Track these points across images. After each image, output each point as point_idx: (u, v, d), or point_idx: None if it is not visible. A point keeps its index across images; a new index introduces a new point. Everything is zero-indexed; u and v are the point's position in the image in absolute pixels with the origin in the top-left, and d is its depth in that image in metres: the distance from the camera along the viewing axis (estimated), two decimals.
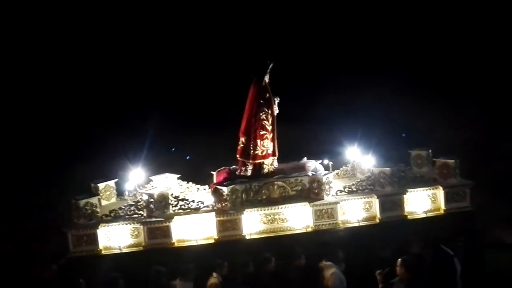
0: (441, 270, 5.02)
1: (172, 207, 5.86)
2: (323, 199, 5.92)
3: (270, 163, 6.31)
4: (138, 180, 6.45)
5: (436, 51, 10.84)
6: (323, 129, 9.27)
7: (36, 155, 9.64)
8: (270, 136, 6.19)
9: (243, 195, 5.99)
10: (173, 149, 9.66)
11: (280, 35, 10.09)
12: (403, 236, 5.47)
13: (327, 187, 6.00)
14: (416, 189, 6.08)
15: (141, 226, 5.70)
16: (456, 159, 6.21)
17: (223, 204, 5.84)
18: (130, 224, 5.73)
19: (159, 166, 7.05)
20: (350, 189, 6.08)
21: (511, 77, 10.27)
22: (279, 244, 5.65)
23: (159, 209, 5.78)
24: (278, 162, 6.44)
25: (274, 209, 5.87)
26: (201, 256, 5.52)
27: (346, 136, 7.16)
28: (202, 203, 5.92)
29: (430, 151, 6.87)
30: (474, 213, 6.05)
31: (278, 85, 6.25)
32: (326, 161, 6.61)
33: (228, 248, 5.61)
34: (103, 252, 5.71)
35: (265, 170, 6.25)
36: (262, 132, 6.12)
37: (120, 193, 6.66)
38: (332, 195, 6.02)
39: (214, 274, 5.16)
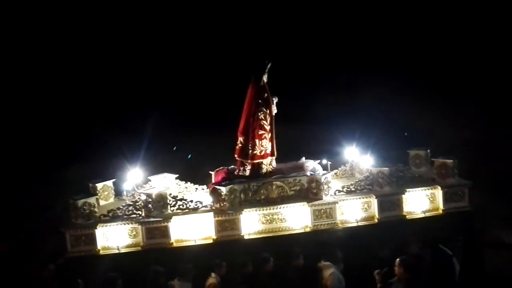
0: (440, 270, 5.02)
1: (171, 207, 5.85)
2: (321, 199, 5.92)
3: (269, 163, 6.30)
4: (136, 180, 6.44)
5: (436, 51, 10.84)
6: (322, 129, 9.26)
7: (34, 155, 9.63)
8: (268, 136, 6.18)
9: (242, 195, 5.98)
10: (174, 148, 9.65)
11: (279, 35, 10.09)
12: (401, 236, 5.49)
13: (325, 187, 5.99)
14: (414, 189, 6.08)
15: (139, 226, 5.69)
16: (454, 159, 6.21)
17: (222, 204, 5.84)
18: (128, 224, 5.72)
19: (157, 166, 7.04)
20: (348, 189, 6.07)
21: (510, 77, 10.27)
22: (277, 244, 5.65)
23: (157, 209, 5.77)
24: (277, 162, 6.43)
25: (273, 209, 5.86)
26: (199, 256, 5.52)
27: (344, 136, 7.15)
28: (201, 203, 5.91)
29: (428, 151, 6.87)
30: (473, 213, 6.05)
31: (277, 85, 6.24)
32: (324, 161, 6.60)
33: (227, 248, 5.61)
34: (101, 252, 5.70)
35: (264, 170, 6.24)
36: (261, 132, 6.11)
37: (118, 193, 6.65)
38: (331, 195, 6.02)
39: (213, 274, 5.16)
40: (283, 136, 6.48)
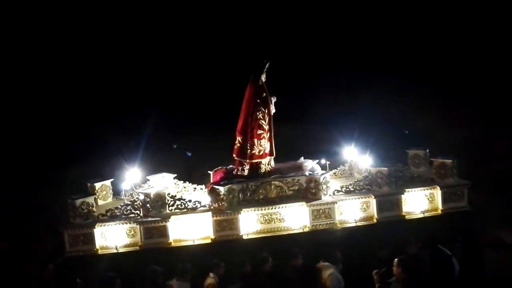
0: (439, 270, 5.01)
1: (169, 206, 5.84)
2: (320, 199, 5.90)
3: (267, 163, 6.29)
4: (135, 179, 6.43)
5: (435, 51, 10.83)
6: (320, 129, 9.26)
7: (33, 154, 9.62)
8: (267, 135, 6.17)
9: (240, 194, 5.97)
10: (174, 146, 9.64)
11: (277, 35, 10.08)
12: (400, 237, 5.49)
13: (324, 187, 5.98)
14: (413, 189, 6.06)
15: (138, 226, 5.68)
16: (453, 159, 6.20)
17: (220, 204, 5.82)
18: (127, 223, 5.72)
19: (155, 166, 7.04)
20: (347, 189, 6.06)
21: (509, 77, 10.26)
22: (276, 244, 5.64)
23: (155, 208, 5.76)
24: (275, 161, 6.42)
25: (271, 209, 5.85)
26: (198, 256, 5.52)
27: (343, 136, 7.15)
28: (199, 202, 5.90)
29: (427, 150, 6.86)
30: (472, 213, 6.04)
31: (275, 85, 6.23)
32: (323, 161, 6.59)
33: (225, 248, 5.60)
34: (99, 251, 5.69)
35: (262, 170, 6.23)
36: (259, 132, 6.09)
37: (116, 193, 6.63)
38: (330, 195, 6.01)
39: (211, 274, 5.15)
40: (281, 136, 6.47)
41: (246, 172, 6.19)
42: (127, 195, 6.44)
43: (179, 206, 5.85)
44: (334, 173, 6.90)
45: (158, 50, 10.61)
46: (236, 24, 10.24)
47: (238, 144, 6.22)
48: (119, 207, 5.86)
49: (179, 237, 5.74)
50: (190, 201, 5.88)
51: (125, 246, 5.72)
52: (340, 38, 10.67)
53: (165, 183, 6.50)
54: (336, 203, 5.88)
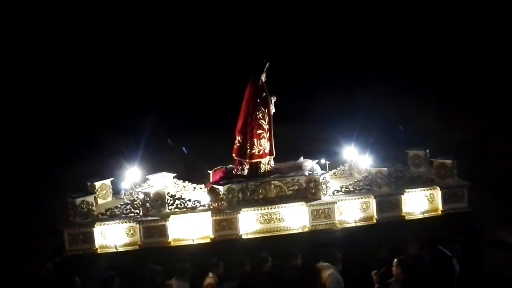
0: (439, 270, 5.00)
1: (168, 206, 5.84)
2: (320, 199, 5.90)
3: (267, 163, 6.28)
4: (135, 178, 6.43)
5: (435, 50, 10.81)
6: (320, 129, 9.25)
7: (32, 154, 9.63)
8: (266, 135, 6.16)
9: (240, 194, 5.97)
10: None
11: (277, 34, 10.07)
12: (400, 237, 5.47)
13: (324, 187, 5.97)
14: (413, 190, 6.05)
15: (137, 225, 5.68)
16: (453, 159, 6.19)
17: (220, 203, 5.82)
18: (126, 223, 5.72)
19: (155, 165, 7.04)
20: (347, 189, 6.05)
21: (509, 77, 10.24)
22: (275, 244, 5.63)
23: (155, 208, 5.76)
24: (275, 161, 6.42)
25: (271, 208, 5.85)
26: (197, 255, 5.51)
27: (343, 136, 7.14)
28: (199, 202, 5.90)
29: (427, 151, 6.85)
30: (472, 213, 6.03)
31: (275, 84, 6.22)
32: (323, 161, 6.58)
33: (225, 248, 5.59)
34: (99, 250, 5.69)
35: (262, 170, 6.22)
36: (259, 131, 6.09)
37: (116, 192, 6.64)
38: (329, 195, 6.00)
39: (210, 274, 5.15)
40: (281, 136, 6.46)
41: (245, 172, 6.18)
42: (126, 194, 6.45)
43: (179, 206, 5.85)
44: (334, 173, 6.89)
45: (158, 50, 10.61)
46: (236, 24, 10.24)
47: (238, 144, 6.21)
48: (119, 206, 5.86)
49: (179, 236, 5.74)
50: (189, 200, 5.88)
51: (125, 245, 5.72)
52: (340, 38, 10.67)
53: (164, 182, 6.50)
54: (336, 203, 5.87)
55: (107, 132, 9.09)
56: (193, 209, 5.84)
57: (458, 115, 9.80)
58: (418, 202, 6.07)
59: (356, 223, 5.91)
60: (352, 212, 5.95)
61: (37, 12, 10.28)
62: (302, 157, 6.51)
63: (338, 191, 6.04)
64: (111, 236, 5.72)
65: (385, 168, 6.06)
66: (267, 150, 6.23)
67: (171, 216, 5.71)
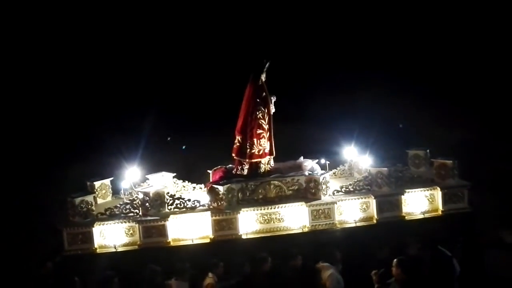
0: (439, 271, 4.99)
1: (168, 206, 5.83)
2: (320, 199, 5.89)
3: (267, 162, 6.27)
4: (134, 178, 6.43)
5: (435, 50, 10.79)
6: (320, 128, 9.22)
7: (32, 153, 9.62)
8: (266, 135, 6.15)
9: (239, 194, 5.96)
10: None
11: (277, 34, 10.05)
12: (400, 237, 5.45)
13: (324, 187, 5.96)
14: (413, 190, 6.04)
15: (137, 225, 5.68)
16: (454, 159, 6.18)
17: (219, 203, 5.81)
18: (126, 222, 5.71)
19: (155, 165, 7.03)
20: (347, 189, 6.04)
21: (509, 77, 10.21)
22: (275, 244, 5.61)
23: (154, 207, 5.75)
24: (275, 161, 6.40)
25: (271, 208, 5.84)
26: (196, 255, 5.49)
27: (343, 135, 7.13)
28: (198, 202, 5.89)
29: (428, 150, 6.83)
30: (472, 214, 6.01)
31: (275, 84, 6.21)
32: (323, 161, 6.57)
33: (224, 248, 5.58)
34: (98, 250, 5.69)
35: (262, 169, 6.21)
36: (259, 131, 6.08)
37: (116, 192, 6.63)
38: (329, 195, 5.99)
39: (210, 274, 5.13)
40: (281, 135, 6.44)
41: (245, 172, 6.17)
42: (126, 194, 6.44)
43: (178, 205, 5.84)
44: (334, 173, 6.88)
45: (158, 49, 10.59)
46: (236, 23, 10.22)
47: (238, 144, 6.20)
48: (118, 206, 5.85)
49: (178, 236, 5.73)
50: (189, 200, 5.87)
51: (124, 245, 5.71)
52: (340, 38, 10.64)
53: (164, 182, 6.50)
54: (336, 203, 5.86)
55: (106, 132, 9.09)
56: (192, 209, 5.83)
57: (458, 115, 9.77)
58: (418, 202, 6.05)
59: (356, 223, 5.89)
60: (352, 212, 5.94)
61: (36, 12, 10.27)
62: (302, 157, 6.49)
63: (338, 191, 6.03)
64: (111, 236, 5.71)
65: (385, 168, 6.04)
66: (267, 150, 6.21)
67: (171, 216, 5.70)
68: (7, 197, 8.47)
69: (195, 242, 5.70)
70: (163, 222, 5.66)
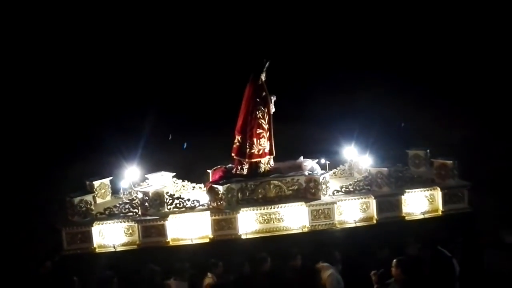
0: (439, 271, 4.98)
1: (167, 205, 5.81)
2: (319, 199, 5.88)
3: (267, 162, 6.26)
4: (134, 178, 6.40)
5: (435, 50, 10.78)
6: (320, 128, 9.22)
7: (32, 152, 9.61)
8: (266, 134, 6.14)
9: (239, 194, 5.95)
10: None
11: (277, 34, 10.04)
12: (400, 238, 5.44)
13: (323, 187, 5.95)
14: (413, 190, 6.03)
15: (136, 225, 5.66)
16: (454, 160, 6.17)
17: (219, 203, 5.80)
18: (125, 222, 5.70)
19: (154, 164, 7.01)
20: (347, 189, 6.03)
21: (509, 77, 10.21)
22: (275, 244, 5.60)
23: (154, 207, 5.74)
24: (275, 161, 6.39)
25: (270, 208, 5.83)
26: (196, 255, 5.49)
27: (343, 135, 7.11)
28: (198, 201, 5.88)
29: (428, 150, 6.82)
30: (472, 214, 6.00)
31: (275, 84, 6.20)
32: (323, 160, 6.56)
33: (224, 248, 5.57)
34: (97, 250, 5.67)
35: (261, 169, 6.20)
36: (259, 131, 6.06)
37: (115, 191, 6.62)
38: (329, 195, 5.98)
39: (209, 274, 5.12)
40: (281, 135, 6.43)
41: (245, 171, 6.16)
42: (125, 193, 6.42)
43: (178, 205, 5.82)
44: (334, 173, 6.87)
45: (158, 49, 10.58)
46: (236, 23, 10.21)
47: (238, 143, 6.19)
48: (118, 205, 5.83)
49: (177, 236, 5.72)
50: (188, 200, 5.85)
51: (123, 244, 5.70)
52: (340, 38, 10.63)
53: (164, 181, 6.48)
54: (336, 203, 5.85)
55: (106, 131, 9.07)
56: (192, 208, 5.82)
57: (458, 115, 9.77)
58: (418, 203, 6.04)
59: (356, 224, 5.88)
60: (352, 212, 5.93)
61: (36, 12, 10.26)
62: (302, 157, 6.47)
63: (338, 191, 6.02)
64: (110, 236, 5.70)
65: (385, 168, 6.04)
66: (266, 150, 6.20)
67: (170, 216, 5.69)
68: (6, 196, 8.46)
69: (195, 242, 5.69)
70: (162, 222, 5.65)
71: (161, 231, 5.64)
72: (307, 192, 5.98)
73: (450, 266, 5.03)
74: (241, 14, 10.36)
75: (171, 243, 5.67)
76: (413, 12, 10.81)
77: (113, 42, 10.57)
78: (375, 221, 5.89)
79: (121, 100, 10.15)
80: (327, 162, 6.59)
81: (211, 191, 5.89)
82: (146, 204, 5.73)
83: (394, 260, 4.76)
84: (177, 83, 10.49)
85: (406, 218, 5.97)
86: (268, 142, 6.19)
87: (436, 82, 10.39)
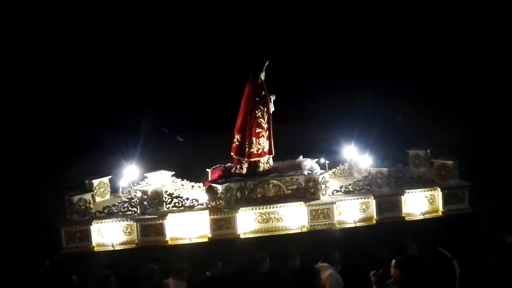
0: (439, 272, 4.95)
1: (166, 204, 5.80)
2: (319, 198, 5.86)
3: (266, 161, 6.24)
4: (133, 177, 6.40)
5: (435, 51, 10.75)
6: (320, 127, 9.21)
7: (31, 152, 9.61)
8: (265, 134, 6.12)
9: (238, 193, 5.93)
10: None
11: (277, 33, 10.02)
12: (400, 238, 5.42)
13: (323, 186, 5.93)
14: (413, 190, 6.01)
15: (135, 223, 5.66)
16: (454, 160, 6.14)
17: (218, 202, 5.78)
18: (124, 221, 5.69)
19: (153, 163, 7.00)
20: (346, 189, 6.01)
21: (509, 76, 10.17)
22: (273, 244, 5.57)
23: (152, 206, 5.73)
24: (274, 160, 6.37)
25: (269, 208, 5.81)
26: (194, 254, 5.46)
27: (343, 135, 7.09)
28: (197, 201, 5.86)
29: (428, 150, 6.79)
30: (473, 215, 5.97)
31: (274, 83, 6.18)
32: (322, 160, 6.54)
33: (222, 247, 5.55)
34: (96, 248, 5.67)
35: (261, 169, 6.18)
36: (258, 130, 6.05)
37: (114, 190, 6.62)
38: (328, 195, 5.96)
39: (208, 274, 5.10)
40: (280, 134, 6.41)
41: (244, 171, 6.14)
42: (124, 192, 6.41)
43: (176, 204, 5.81)
44: (334, 173, 6.85)
45: (157, 48, 10.57)
46: (236, 22, 10.19)
47: (237, 142, 6.17)
48: (117, 204, 5.83)
49: (176, 235, 5.70)
50: (187, 199, 5.84)
51: (122, 243, 5.69)
52: (340, 38, 10.61)
53: (163, 180, 6.47)
54: (335, 203, 5.83)
55: (106, 130, 9.08)
56: (190, 207, 5.81)
57: (458, 115, 9.74)
58: (418, 203, 6.02)
59: (356, 224, 5.86)
60: (351, 212, 5.91)
61: (36, 11, 10.26)
62: (301, 156, 6.46)
63: (337, 191, 6.00)
64: (108, 234, 5.69)
65: (385, 168, 6.02)
66: (266, 149, 6.18)
67: (169, 215, 5.68)
68: (5, 195, 8.46)
69: (193, 241, 5.67)
70: (161, 221, 5.64)
71: (160, 230, 5.63)
72: (307, 191, 5.97)
73: (450, 267, 5.00)
74: (240, 13, 10.35)
75: (169, 242, 5.66)
76: (413, 12, 10.78)
77: (113, 42, 10.56)
78: (374, 221, 5.87)
79: (120, 99, 10.14)
80: (327, 161, 6.57)
81: (210, 190, 5.88)
82: (145, 203, 5.72)
83: (393, 261, 4.74)
84: (177, 82, 10.48)
85: (406, 218, 5.95)
86: (268, 141, 6.18)
87: (436, 82, 10.36)
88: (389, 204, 5.91)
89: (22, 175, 9.01)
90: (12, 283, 5.84)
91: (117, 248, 5.66)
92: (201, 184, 6.59)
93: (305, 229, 5.79)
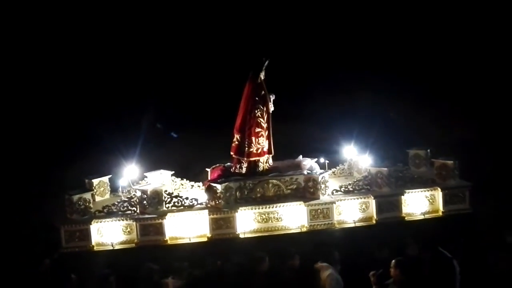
0: (439, 272, 4.94)
1: (166, 204, 5.80)
2: (318, 198, 5.85)
3: (265, 161, 6.23)
4: (132, 176, 6.40)
5: (435, 51, 10.74)
6: (320, 127, 9.20)
7: (30, 151, 9.62)
8: (265, 133, 6.12)
9: (237, 193, 5.92)
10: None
11: (277, 33, 10.01)
12: (400, 238, 5.42)
13: (323, 186, 5.92)
14: (414, 190, 6.00)
15: (134, 223, 5.65)
16: (455, 160, 6.13)
17: (217, 202, 5.78)
18: (123, 220, 5.69)
19: (153, 163, 7.00)
20: (346, 189, 6.00)
21: (509, 76, 10.16)
22: (273, 244, 5.57)
23: (152, 205, 5.73)
24: (274, 160, 6.36)
25: (269, 207, 5.80)
26: (194, 254, 5.47)
27: (343, 135, 7.08)
28: (196, 200, 5.86)
29: (428, 150, 6.78)
30: (473, 215, 5.96)
31: (274, 82, 6.17)
32: (322, 160, 6.53)
33: (222, 247, 5.55)
34: (95, 248, 5.67)
35: (260, 168, 6.17)
36: (257, 130, 6.04)
37: (114, 189, 6.62)
38: (328, 195, 5.95)
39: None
40: (280, 134, 6.41)
41: (243, 170, 6.13)
42: (124, 191, 6.41)
43: (176, 204, 5.81)
44: (333, 172, 6.84)
45: (157, 47, 10.57)
46: (236, 21, 10.19)
47: (236, 142, 6.17)
48: (116, 203, 5.83)
49: (175, 234, 5.70)
50: (187, 198, 5.84)
51: (121, 243, 5.68)
52: (340, 38, 10.60)
53: (162, 180, 6.47)
54: (335, 203, 5.82)
55: (105, 130, 9.08)
56: (190, 207, 5.80)
57: (458, 115, 9.72)
58: (418, 203, 6.01)
59: (355, 224, 5.85)
60: (351, 212, 5.90)
61: (35, 11, 10.27)
62: (301, 156, 6.45)
63: (337, 191, 5.99)
64: (108, 234, 5.68)
65: (385, 168, 6.01)
66: (265, 149, 6.18)
67: (168, 214, 5.67)
68: (5, 195, 8.46)
69: (193, 240, 5.66)
70: (160, 220, 5.63)
71: (159, 229, 5.63)
72: (306, 191, 5.96)
73: (451, 267, 5.00)
74: (240, 12, 10.34)
75: (169, 242, 5.65)
76: (413, 12, 10.77)
77: (112, 41, 10.56)
78: (374, 221, 5.85)
79: (120, 98, 10.14)
80: (327, 161, 6.56)
81: (210, 190, 5.87)
82: (145, 202, 5.72)
83: (393, 261, 4.74)
84: (176, 81, 10.48)
85: (406, 218, 5.93)
86: (267, 141, 6.17)
87: (436, 82, 10.34)
88: (389, 204, 5.89)
89: (22, 174, 9.02)
90: (12, 282, 5.84)
91: (117, 247, 5.65)
92: (200, 184, 6.59)
93: (304, 229, 5.78)
